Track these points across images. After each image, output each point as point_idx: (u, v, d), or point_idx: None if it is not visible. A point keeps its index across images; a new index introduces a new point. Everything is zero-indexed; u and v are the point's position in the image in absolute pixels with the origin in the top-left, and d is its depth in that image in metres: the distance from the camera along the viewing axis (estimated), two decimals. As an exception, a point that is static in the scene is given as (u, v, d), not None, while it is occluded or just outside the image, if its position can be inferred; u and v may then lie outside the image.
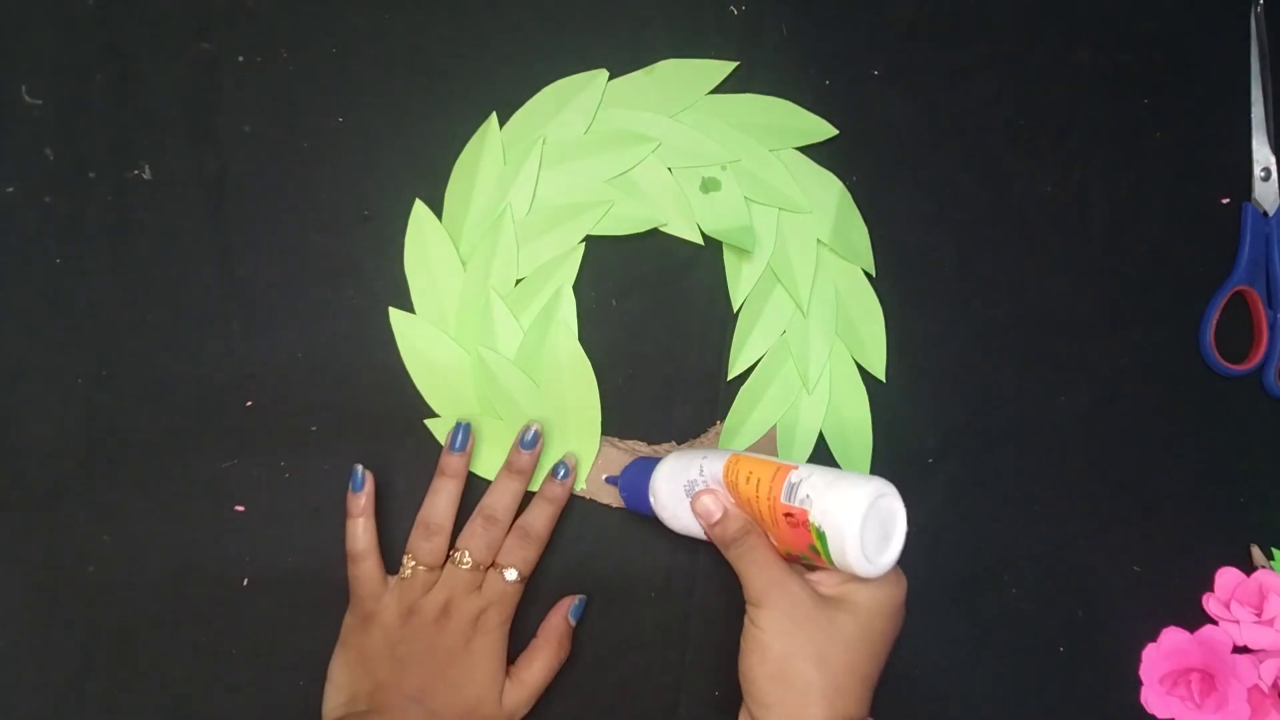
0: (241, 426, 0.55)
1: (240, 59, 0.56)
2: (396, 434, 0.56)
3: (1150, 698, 0.59)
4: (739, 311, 0.59)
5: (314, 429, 0.55)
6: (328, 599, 0.54)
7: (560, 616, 0.55)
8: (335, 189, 0.56)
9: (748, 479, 0.47)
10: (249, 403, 0.55)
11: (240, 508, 0.55)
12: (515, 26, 0.57)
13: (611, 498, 0.57)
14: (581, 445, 0.57)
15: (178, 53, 0.55)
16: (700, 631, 0.58)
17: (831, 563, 0.45)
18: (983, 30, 0.62)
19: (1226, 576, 0.60)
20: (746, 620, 0.48)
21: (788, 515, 0.45)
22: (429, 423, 0.56)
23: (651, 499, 0.52)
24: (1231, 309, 0.62)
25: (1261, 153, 0.63)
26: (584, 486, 0.57)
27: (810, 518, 0.44)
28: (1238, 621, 0.59)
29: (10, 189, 0.54)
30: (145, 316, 0.54)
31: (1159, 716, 0.59)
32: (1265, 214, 0.62)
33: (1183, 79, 0.63)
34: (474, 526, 0.53)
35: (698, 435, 0.58)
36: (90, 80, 0.54)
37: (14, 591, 0.53)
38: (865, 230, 0.60)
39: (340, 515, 0.55)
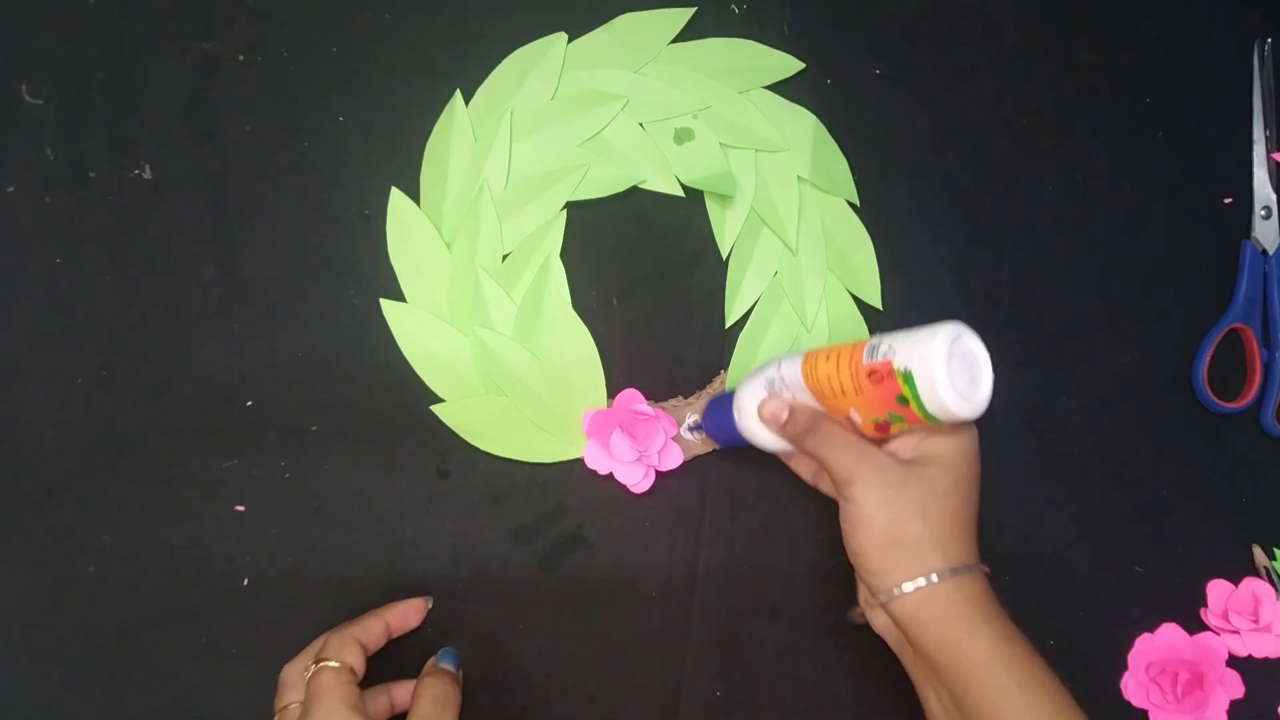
0: (241, 426, 0.55)
1: (240, 59, 0.55)
2: (397, 433, 0.56)
3: (1130, 684, 0.59)
4: (728, 258, 0.58)
5: (314, 429, 0.55)
6: (328, 599, 0.55)
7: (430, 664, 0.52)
8: (335, 189, 0.56)
9: (827, 358, 0.48)
10: (249, 403, 0.55)
11: (240, 508, 0.55)
12: (503, 17, 0.57)
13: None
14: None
15: (178, 53, 0.55)
16: (700, 631, 0.58)
17: (922, 407, 0.45)
18: (984, 29, 0.61)
19: (1218, 588, 0.60)
20: (841, 502, 0.48)
21: (871, 374, 0.46)
22: (435, 408, 0.56)
23: (737, 417, 0.52)
24: (1226, 347, 0.62)
25: (1263, 191, 0.62)
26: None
27: (895, 364, 0.45)
28: (1237, 631, 0.59)
29: (10, 189, 0.54)
30: (145, 316, 0.54)
31: (1133, 704, 0.59)
32: (1264, 252, 0.62)
33: (1185, 78, 0.63)
34: None
35: (702, 387, 0.58)
36: (90, 80, 0.54)
37: (14, 591, 0.53)
38: (844, 161, 0.59)
39: (340, 515, 0.55)
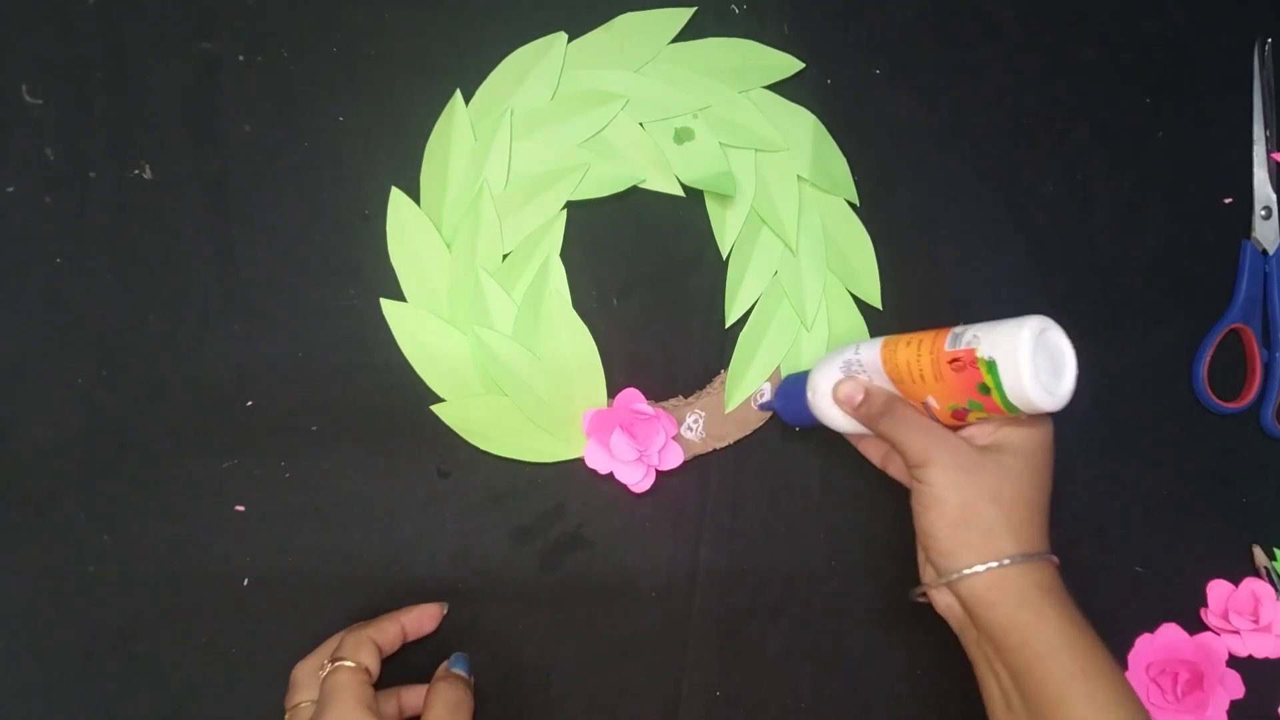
0: (241, 426, 0.55)
1: (240, 59, 0.55)
2: (397, 433, 0.56)
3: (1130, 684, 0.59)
4: (728, 258, 0.58)
5: (314, 429, 0.55)
6: (328, 599, 0.55)
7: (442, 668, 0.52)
8: (335, 189, 0.56)
9: (908, 344, 0.49)
10: (249, 403, 0.55)
11: (240, 508, 0.55)
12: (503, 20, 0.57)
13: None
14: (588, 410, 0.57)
15: (178, 53, 0.55)
16: (700, 631, 0.58)
17: (1003, 397, 0.45)
18: (985, 29, 0.61)
19: (1218, 589, 0.60)
20: (914, 484, 0.49)
21: (953, 361, 0.46)
22: (435, 408, 0.56)
23: (811, 396, 0.53)
24: (1226, 347, 0.62)
25: (1263, 191, 0.62)
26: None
27: (979, 353, 0.45)
28: (1238, 631, 0.59)
29: (10, 189, 0.54)
30: (145, 316, 0.54)
31: None
32: (1265, 252, 0.62)
33: (1186, 78, 0.63)
34: None
35: (702, 386, 0.58)
36: (90, 80, 0.54)
37: (14, 591, 0.53)
38: (844, 160, 0.59)
39: (340, 515, 0.55)
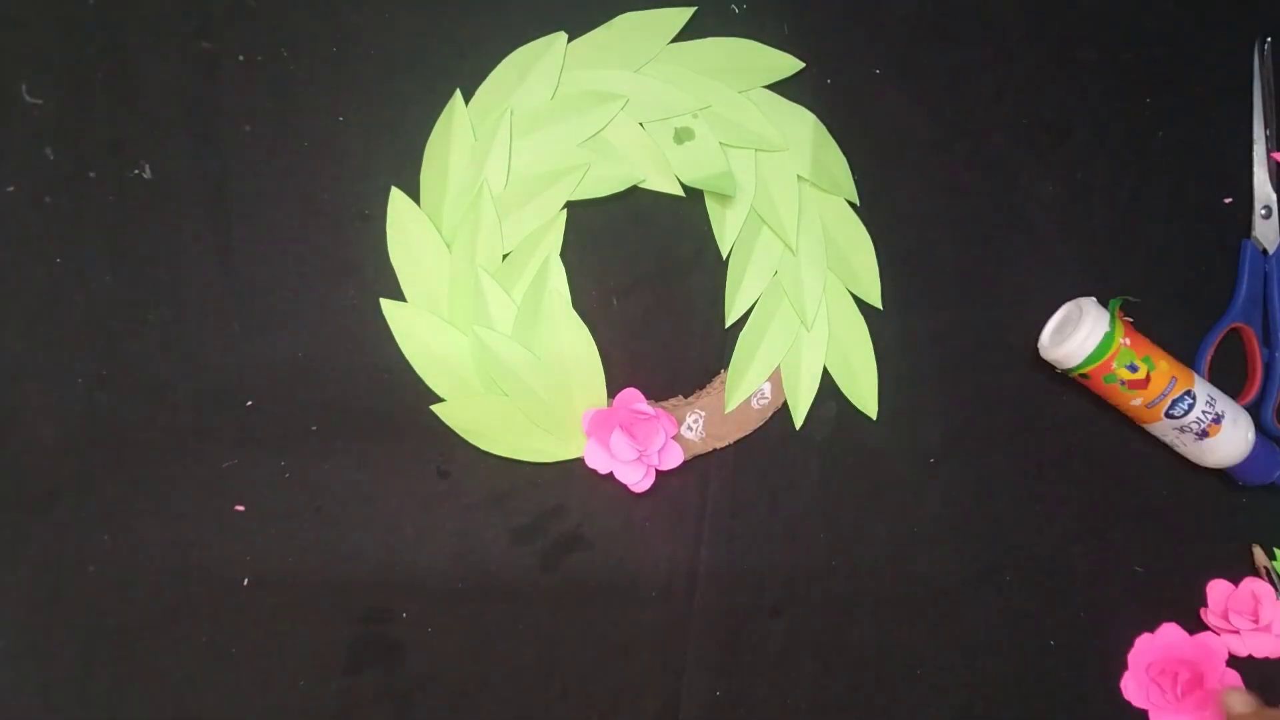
0: (241, 426, 0.55)
1: (240, 59, 0.55)
2: (397, 433, 0.56)
3: (1130, 684, 0.59)
4: (728, 258, 0.58)
5: (314, 429, 0.55)
6: (328, 599, 0.55)
7: None
8: (335, 189, 0.56)
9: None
10: (249, 403, 0.55)
11: (240, 508, 0.55)
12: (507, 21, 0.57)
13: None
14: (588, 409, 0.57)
15: (178, 53, 0.55)
16: (700, 631, 0.58)
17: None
18: (984, 29, 0.61)
19: (1217, 589, 0.60)
20: None
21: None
22: (435, 408, 0.56)
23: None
24: (1226, 346, 0.62)
25: (1263, 190, 0.62)
26: None
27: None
28: (1237, 631, 0.59)
29: (10, 189, 0.54)
30: (145, 316, 0.54)
31: (1133, 704, 0.59)
32: (1265, 252, 0.62)
33: (1185, 78, 0.63)
34: None
35: (702, 386, 0.59)
36: (90, 80, 0.54)
37: (14, 591, 0.53)
38: (844, 160, 0.59)
39: (340, 515, 0.55)
